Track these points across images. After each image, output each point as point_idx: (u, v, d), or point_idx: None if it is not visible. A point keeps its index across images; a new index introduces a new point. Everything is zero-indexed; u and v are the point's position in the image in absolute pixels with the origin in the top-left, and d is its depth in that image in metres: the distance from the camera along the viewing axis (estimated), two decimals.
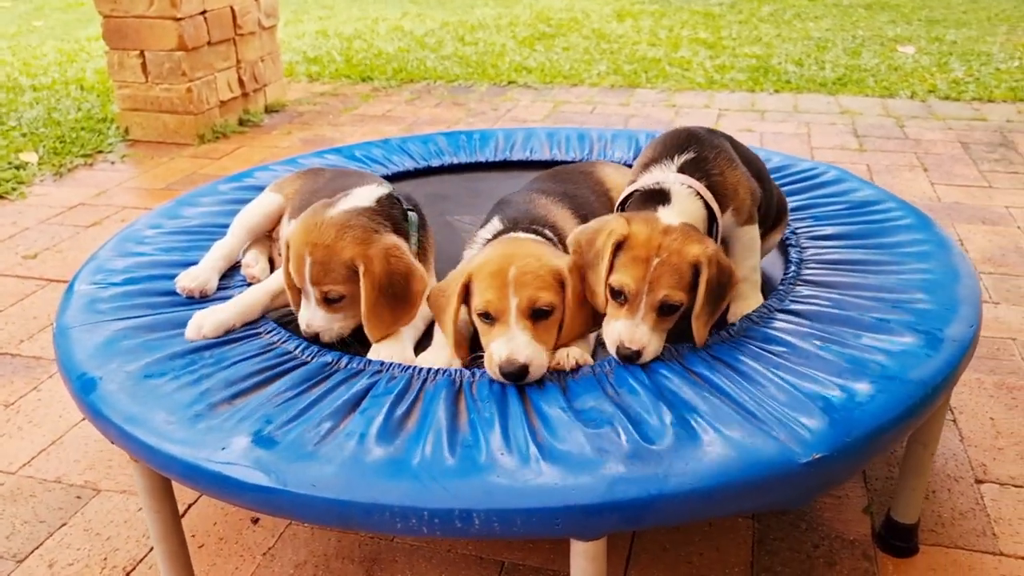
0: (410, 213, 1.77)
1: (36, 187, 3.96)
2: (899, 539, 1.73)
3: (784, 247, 2.03)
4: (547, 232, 1.71)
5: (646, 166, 1.66)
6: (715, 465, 1.24)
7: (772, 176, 1.98)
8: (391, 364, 1.49)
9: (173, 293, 1.80)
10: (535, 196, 1.85)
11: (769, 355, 1.51)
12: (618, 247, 1.48)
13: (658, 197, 1.57)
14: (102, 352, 1.58)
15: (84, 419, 2.24)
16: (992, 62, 5.75)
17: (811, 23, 7.37)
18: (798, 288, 1.77)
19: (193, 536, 1.84)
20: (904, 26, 7.12)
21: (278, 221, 2.01)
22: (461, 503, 1.20)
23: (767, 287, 1.90)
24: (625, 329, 1.45)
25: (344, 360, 1.52)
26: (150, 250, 2.01)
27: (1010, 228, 3.25)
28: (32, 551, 1.81)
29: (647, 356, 1.46)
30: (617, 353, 1.46)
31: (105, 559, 1.78)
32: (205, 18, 4.44)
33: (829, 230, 2.06)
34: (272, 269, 1.93)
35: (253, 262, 1.91)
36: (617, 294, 1.47)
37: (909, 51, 6.19)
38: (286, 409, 1.38)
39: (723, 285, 1.48)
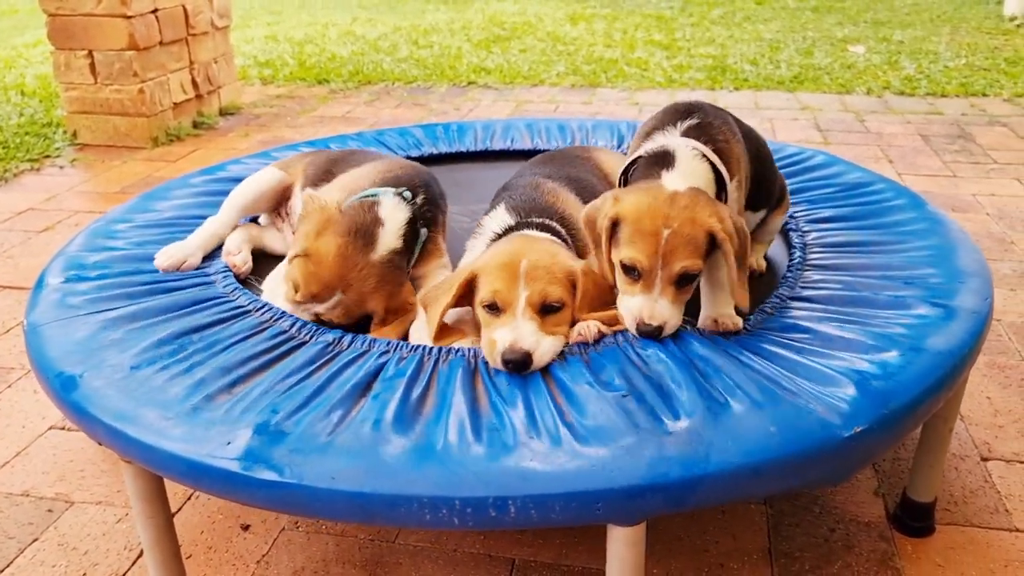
0: (421, 230, 1.73)
1: None
2: (916, 519, 1.70)
3: (785, 231, 2.00)
4: (557, 226, 1.64)
5: (648, 134, 1.59)
6: (758, 441, 1.19)
7: None
8: (398, 344, 1.41)
9: (152, 283, 1.69)
10: (540, 181, 1.79)
11: (791, 342, 1.45)
12: (615, 224, 1.41)
13: (662, 162, 1.49)
14: (81, 347, 1.47)
15: (50, 428, 2.10)
16: (940, 60, 5.88)
17: (761, 25, 7.47)
18: (807, 273, 1.73)
19: (180, 545, 1.71)
20: (851, 27, 7.26)
21: (277, 200, 1.92)
22: (495, 491, 1.13)
23: (774, 273, 1.87)
24: (644, 305, 1.39)
25: (346, 340, 1.43)
26: (122, 244, 1.89)
27: (980, 215, 3.29)
28: (1, 571, 1.67)
29: (668, 330, 1.40)
30: (637, 330, 1.40)
31: (84, 574, 1.65)
32: (156, 17, 4.27)
33: (826, 212, 2.03)
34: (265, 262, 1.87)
35: (235, 250, 1.82)
36: (630, 270, 1.39)
37: (860, 51, 6.30)
38: (292, 396, 1.29)
39: (746, 248, 1.41)
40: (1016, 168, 3.81)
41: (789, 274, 1.73)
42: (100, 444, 1.35)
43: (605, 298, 1.46)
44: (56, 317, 1.58)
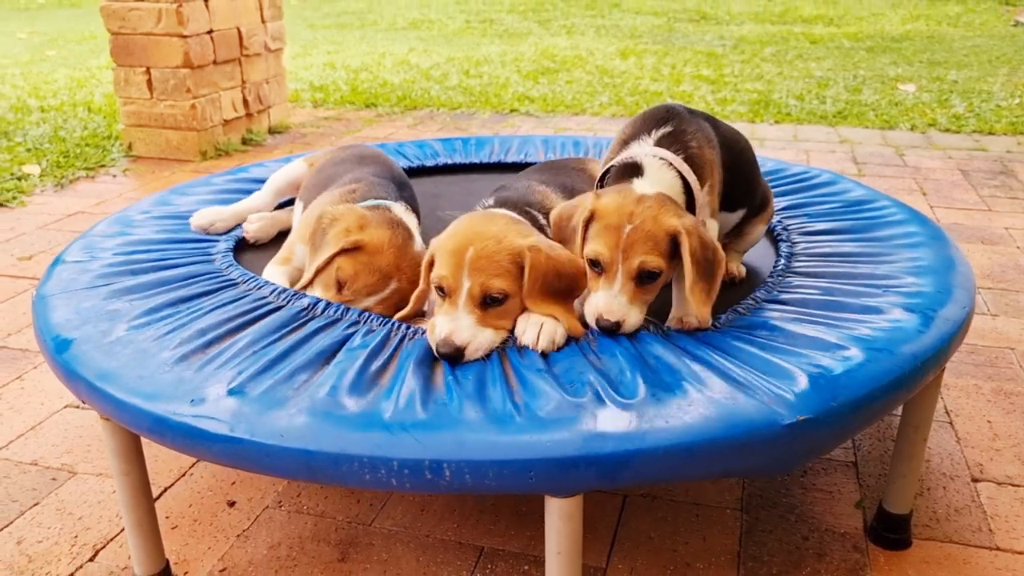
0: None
1: (36, 196, 3.98)
2: (891, 531, 1.67)
3: (775, 242, 2.01)
4: (536, 213, 1.69)
5: (624, 143, 1.63)
6: (696, 422, 1.21)
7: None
8: (370, 316, 1.47)
9: (156, 261, 1.79)
10: (534, 184, 1.85)
11: (755, 338, 1.46)
12: (590, 220, 1.45)
13: (632, 171, 1.53)
14: (79, 315, 1.56)
15: (66, 407, 2.21)
16: (993, 99, 5.79)
17: (813, 63, 7.45)
18: (787, 279, 1.74)
19: (167, 518, 1.79)
20: (905, 67, 7.18)
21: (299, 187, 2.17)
22: (431, 454, 1.17)
23: (756, 280, 1.88)
24: (603, 300, 1.42)
25: (320, 307, 1.50)
26: (139, 231, 2.01)
27: (1009, 248, 3.23)
28: (1, 529, 1.77)
29: (627, 328, 1.42)
30: (597, 325, 1.43)
31: (76, 537, 1.74)
32: (212, 37, 4.50)
33: (821, 226, 2.04)
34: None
35: (255, 219, 2.07)
36: (594, 264, 1.44)
37: (910, 89, 6.23)
38: (258, 359, 1.35)
39: (710, 260, 1.43)
40: None
41: (770, 279, 1.74)
42: (83, 403, 1.43)
43: (561, 271, 1.44)
44: (64, 289, 1.68)
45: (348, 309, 1.51)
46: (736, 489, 1.86)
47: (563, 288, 1.45)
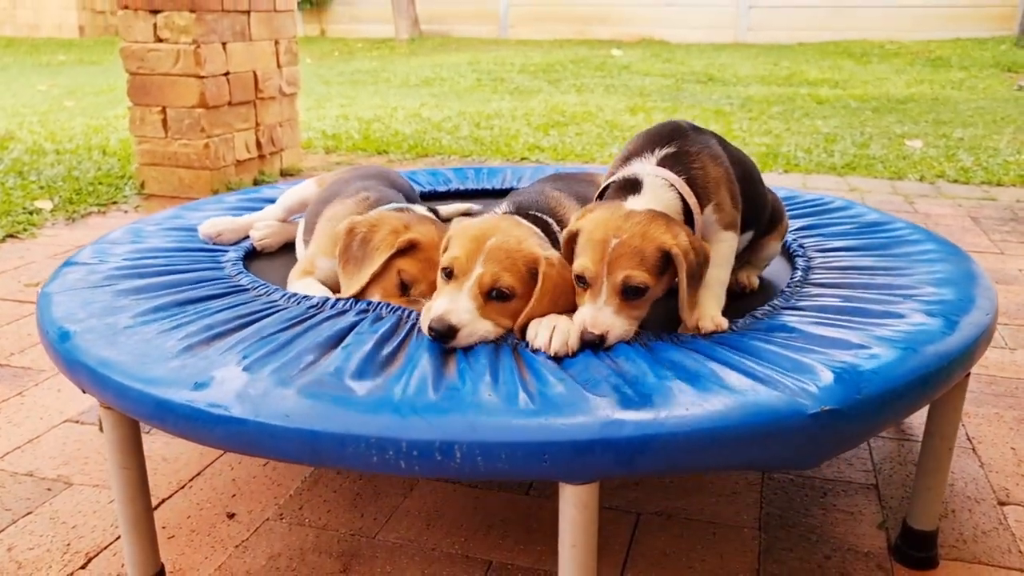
0: None
1: (47, 229, 3.99)
2: (917, 549, 1.60)
3: (790, 257, 1.99)
4: (550, 220, 1.67)
5: (626, 159, 1.58)
6: (717, 410, 1.17)
7: None
8: (379, 304, 1.44)
9: (163, 266, 1.77)
10: (547, 190, 1.83)
11: (775, 338, 1.43)
12: (575, 235, 1.43)
13: (631, 188, 1.50)
14: (83, 309, 1.54)
15: (65, 421, 2.16)
16: (1000, 155, 5.81)
17: (820, 121, 7.52)
18: (805, 289, 1.71)
19: (164, 528, 1.73)
20: (911, 125, 7.25)
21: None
22: (442, 435, 1.12)
23: (772, 291, 1.84)
24: (588, 313, 1.37)
25: (329, 303, 1.47)
26: (151, 240, 2.00)
27: (1023, 287, 3.19)
28: None
29: (611, 340, 1.37)
30: (581, 339, 1.36)
31: (68, 545, 1.67)
32: (228, 79, 4.57)
33: (838, 243, 2.01)
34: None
35: (262, 227, 2.08)
36: (580, 280, 1.40)
37: (917, 145, 6.27)
38: (265, 345, 1.32)
39: (701, 269, 1.41)
40: None
41: (787, 289, 1.71)
42: (84, 392, 1.40)
43: (569, 293, 1.43)
44: (69, 287, 1.66)
45: (356, 301, 1.48)
46: (754, 508, 1.79)
47: (563, 302, 1.43)
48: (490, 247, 1.38)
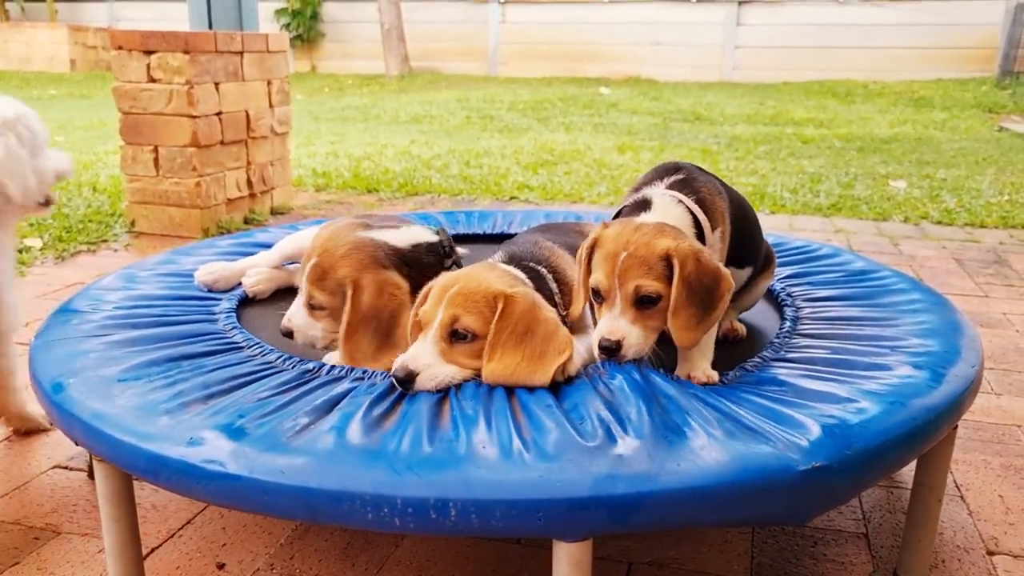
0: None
1: (36, 268, 3.98)
2: None
3: (779, 306, 2.01)
4: (542, 270, 1.69)
5: (636, 189, 1.68)
6: (710, 466, 1.18)
7: None
8: (374, 372, 1.45)
9: (157, 317, 1.77)
10: (540, 240, 1.86)
11: (764, 391, 1.45)
12: (592, 250, 1.49)
13: (642, 207, 1.59)
14: (76, 360, 1.54)
15: (54, 467, 2.15)
16: (982, 196, 5.90)
17: (805, 161, 7.62)
18: (793, 340, 1.74)
19: (142, 554, 1.71)
20: (895, 165, 7.36)
21: None
22: (437, 492, 1.13)
23: (761, 342, 1.87)
24: (604, 323, 1.44)
25: (324, 368, 1.48)
26: (143, 286, 2.00)
27: (1008, 331, 3.23)
28: None
29: (627, 348, 1.42)
30: (599, 347, 1.43)
31: None
32: (220, 119, 4.60)
33: (825, 292, 2.04)
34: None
35: (255, 274, 2.08)
36: (596, 294, 1.47)
37: (901, 185, 6.36)
38: (262, 406, 1.32)
39: (707, 286, 1.42)
40: None
41: (776, 340, 1.73)
42: (77, 444, 1.40)
43: (536, 324, 1.41)
44: (62, 336, 1.66)
45: (352, 369, 1.49)
46: (744, 558, 1.79)
47: (537, 343, 1.41)
48: (451, 293, 1.43)
